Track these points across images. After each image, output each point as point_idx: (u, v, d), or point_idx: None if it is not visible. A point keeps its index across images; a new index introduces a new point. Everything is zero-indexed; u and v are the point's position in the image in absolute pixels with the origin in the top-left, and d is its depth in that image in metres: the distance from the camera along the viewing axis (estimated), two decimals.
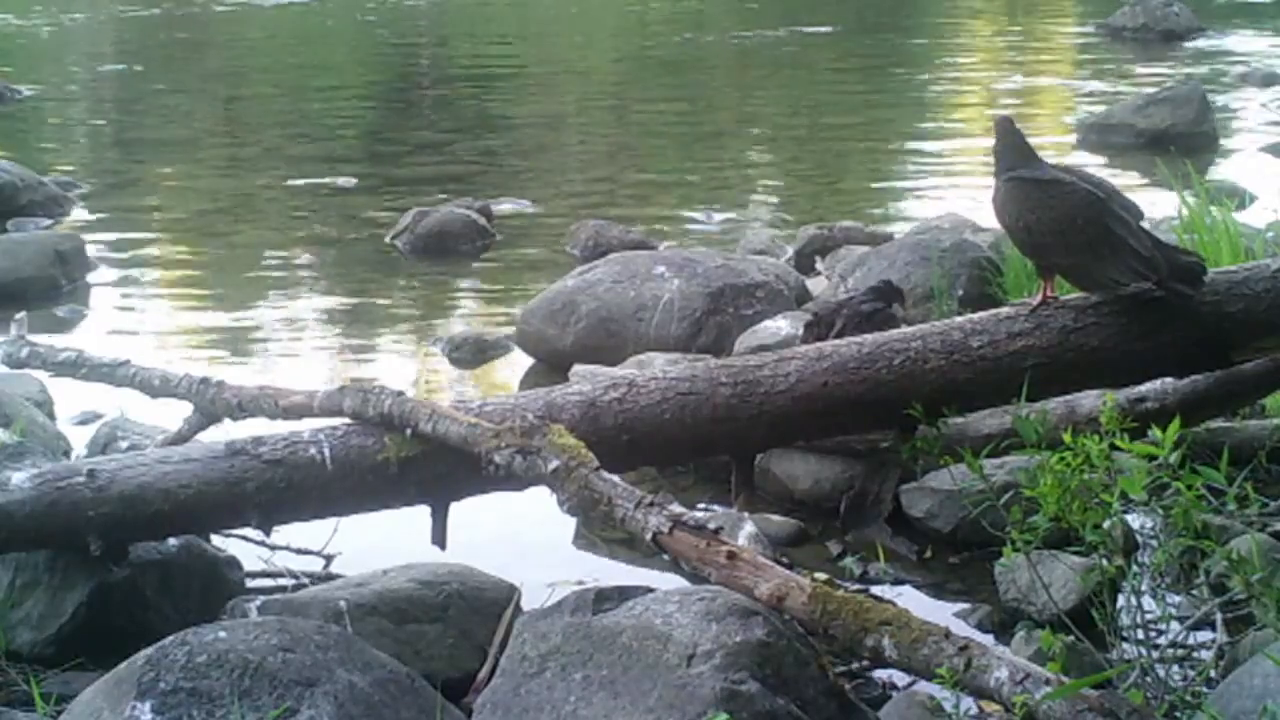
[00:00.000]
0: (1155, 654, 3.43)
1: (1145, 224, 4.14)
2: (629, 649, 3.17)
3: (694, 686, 3.03)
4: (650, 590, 3.45)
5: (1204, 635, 3.79)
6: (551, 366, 6.41)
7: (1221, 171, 9.97)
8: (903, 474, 4.75)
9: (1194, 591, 3.85)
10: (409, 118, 13.84)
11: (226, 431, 4.50)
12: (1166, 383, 4.52)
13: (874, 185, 10.45)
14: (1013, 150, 4.17)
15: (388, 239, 8.80)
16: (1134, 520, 4.03)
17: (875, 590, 4.22)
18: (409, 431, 3.86)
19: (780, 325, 5.99)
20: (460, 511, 4.02)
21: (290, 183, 10.56)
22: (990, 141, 4.29)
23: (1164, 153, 8.85)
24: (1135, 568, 3.42)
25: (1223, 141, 11.07)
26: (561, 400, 4.03)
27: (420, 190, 9.95)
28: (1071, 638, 3.33)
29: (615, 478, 3.52)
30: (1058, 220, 4.02)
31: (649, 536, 3.38)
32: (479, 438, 3.71)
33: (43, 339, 5.65)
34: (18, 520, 3.79)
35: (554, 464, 3.55)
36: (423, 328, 7.35)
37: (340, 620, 3.79)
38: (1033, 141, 4.29)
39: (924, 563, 4.57)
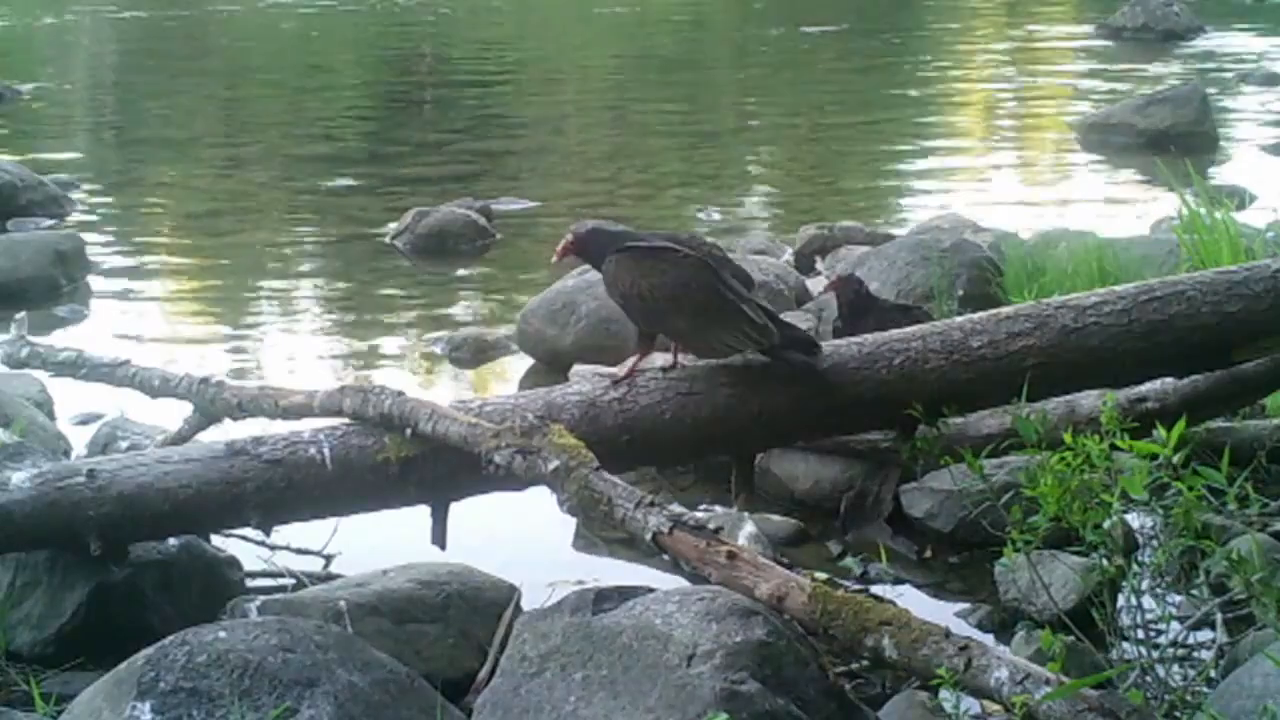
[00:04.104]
0: (1155, 654, 3.43)
1: (758, 294, 4.08)
2: (629, 649, 3.16)
3: (694, 686, 3.03)
4: (650, 590, 3.45)
5: (1204, 635, 3.79)
6: (551, 366, 6.40)
7: (1221, 171, 9.97)
8: (903, 474, 4.75)
9: (1194, 591, 3.84)
10: (409, 118, 13.84)
11: (226, 431, 4.50)
12: (1166, 383, 4.52)
13: (874, 185, 10.44)
14: (610, 237, 4.14)
15: (388, 239, 8.80)
16: (1134, 520, 4.03)
17: (875, 590, 4.20)
18: (409, 431, 3.86)
19: None
20: (460, 511, 4.02)
21: (290, 183, 10.56)
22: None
23: (1164, 153, 8.87)
24: (1135, 568, 3.42)
25: (1223, 141, 11.06)
26: (561, 400, 4.03)
27: (420, 190, 9.95)
28: (1071, 638, 3.32)
29: (615, 478, 3.52)
30: (672, 285, 3.96)
31: (649, 536, 3.38)
32: (479, 438, 3.70)
33: (43, 339, 5.66)
34: (18, 520, 3.79)
35: (554, 464, 3.55)
36: (423, 328, 7.35)
37: (340, 620, 3.79)
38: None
39: (924, 563, 4.57)
